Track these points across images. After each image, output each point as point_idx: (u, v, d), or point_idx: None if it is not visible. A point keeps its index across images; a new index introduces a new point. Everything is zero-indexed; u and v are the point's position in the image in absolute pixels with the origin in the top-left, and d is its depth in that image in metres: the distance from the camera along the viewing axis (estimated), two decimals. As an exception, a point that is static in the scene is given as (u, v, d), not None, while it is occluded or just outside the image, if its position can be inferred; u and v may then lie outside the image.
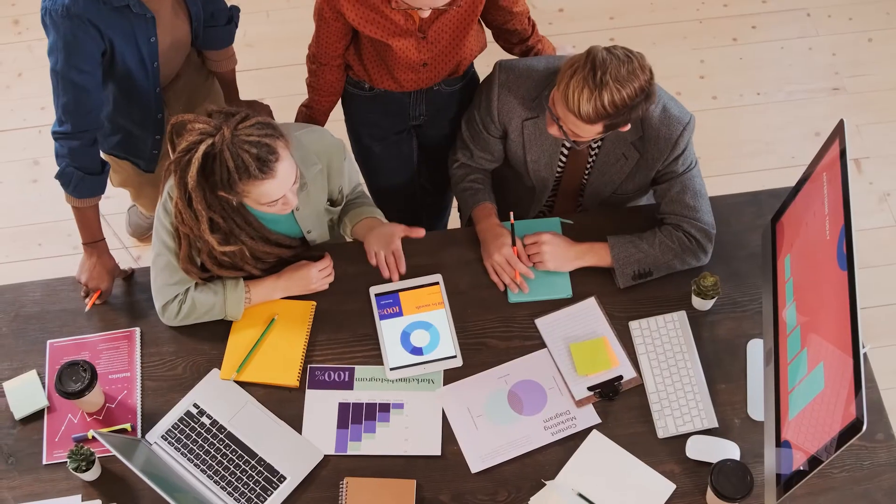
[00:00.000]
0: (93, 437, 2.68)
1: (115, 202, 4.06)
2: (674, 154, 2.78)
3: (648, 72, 2.56)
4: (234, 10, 3.10)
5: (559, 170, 2.94)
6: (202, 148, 2.41)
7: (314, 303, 2.88)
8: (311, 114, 3.10)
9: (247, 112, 2.47)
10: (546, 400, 2.74)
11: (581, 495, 2.61)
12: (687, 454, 2.67)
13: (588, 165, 2.91)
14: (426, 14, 2.64)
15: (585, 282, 2.91)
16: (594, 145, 2.85)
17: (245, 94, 3.40)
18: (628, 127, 2.66)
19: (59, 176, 2.81)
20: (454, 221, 3.79)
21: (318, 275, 2.85)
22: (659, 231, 2.85)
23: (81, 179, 2.81)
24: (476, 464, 2.67)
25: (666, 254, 2.84)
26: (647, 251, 2.84)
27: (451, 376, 2.79)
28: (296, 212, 2.78)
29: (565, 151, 2.89)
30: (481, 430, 2.70)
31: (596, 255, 2.88)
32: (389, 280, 2.89)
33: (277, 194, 2.50)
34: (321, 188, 2.79)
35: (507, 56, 3.07)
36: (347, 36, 2.88)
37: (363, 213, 2.93)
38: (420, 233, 2.89)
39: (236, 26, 3.12)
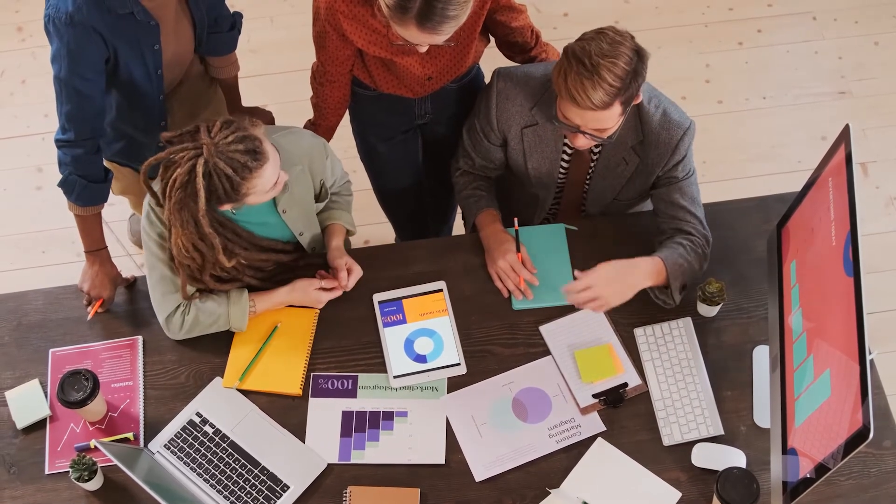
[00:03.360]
0: (95, 446, 2.67)
1: (119, 209, 4.05)
2: (674, 159, 2.77)
3: (628, 35, 2.54)
4: (237, 17, 3.09)
5: (561, 176, 2.92)
6: (200, 171, 2.41)
7: (317, 310, 2.86)
8: (317, 131, 3.08)
9: (200, 121, 2.48)
10: (551, 407, 2.72)
11: (586, 503, 2.60)
12: (692, 462, 2.65)
13: (589, 171, 2.90)
14: (423, 49, 2.63)
15: (590, 288, 2.89)
16: (595, 150, 2.83)
17: (248, 100, 3.39)
18: (640, 98, 2.64)
19: (62, 184, 2.80)
20: (458, 228, 3.78)
21: (328, 294, 2.84)
22: (681, 241, 2.78)
23: (85, 188, 2.80)
24: (480, 472, 2.65)
25: (698, 260, 2.78)
26: (689, 261, 2.76)
27: (455, 384, 2.78)
28: (283, 214, 2.77)
29: (566, 158, 2.87)
30: (485, 438, 2.69)
31: (651, 275, 2.73)
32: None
33: (275, 174, 2.52)
34: (306, 188, 2.78)
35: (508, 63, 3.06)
36: (353, 55, 2.88)
37: (331, 218, 2.94)
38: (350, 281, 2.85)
39: (239, 32, 3.11)
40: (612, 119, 2.59)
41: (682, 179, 2.80)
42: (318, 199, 2.87)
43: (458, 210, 3.69)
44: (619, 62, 2.49)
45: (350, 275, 2.83)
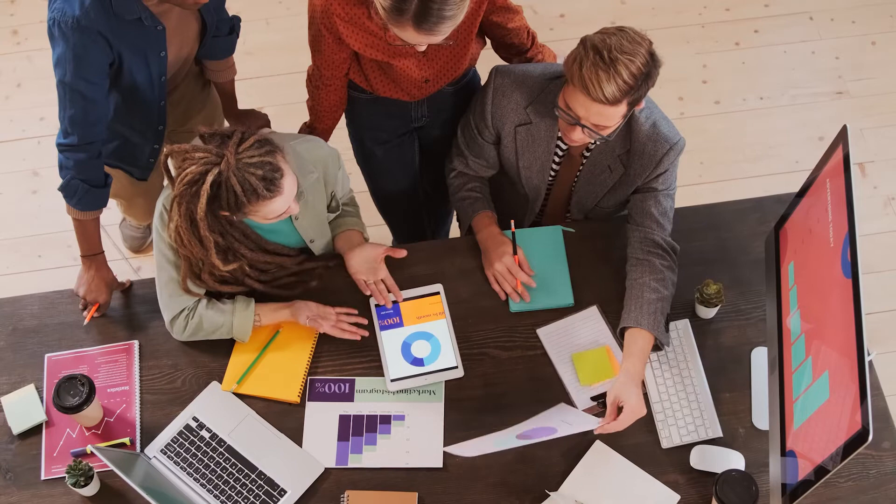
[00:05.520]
0: (91, 451, 2.66)
1: (115, 213, 4.05)
2: (656, 172, 2.76)
3: (648, 39, 2.54)
4: (236, 20, 3.08)
5: (551, 178, 2.92)
6: (209, 179, 2.39)
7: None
8: (314, 133, 3.08)
9: (241, 130, 2.46)
10: (556, 432, 2.60)
11: (584, 507, 2.59)
12: (691, 464, 2.65)
13: (577, 175, 2.89)
14: (422, 49, 2.63)
15: (588, 291, 2.89)
16: (585, 153, 2.82)
17: (244, 102, 3.38)
18: (643, 104, 2.63)
19: (63, 188, 2.78)
20: (455, 230, 3.77)
21: (328, 328, 2.81)
22: (647, 269, 2.77)
23: (87, 192, 2.79)
24: (469, 451, 2.55)
25: (670, 280, 2.78)
26: (662, 294, 2.74)
27: (452, 387, 2.77)
28: (295, 221, 2.76)
29: (557, 159, 2.86)
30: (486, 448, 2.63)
31: (643, 351, 2.69)
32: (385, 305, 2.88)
33: (284, 208, 2.51)
34: (319, 196, 2.78)
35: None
36: (349, 59, 2.87)
37: (344, 225, 2.93)
38: (402, 253, 2.88)
39: (238, 36, 3.10)
40: (615, 117, 2.57)
41: (661, 191, 2.80)
42: (328, 209, 2.87)
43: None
44: (636, 61, 2.48)
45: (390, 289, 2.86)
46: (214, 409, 2.74)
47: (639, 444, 2.68)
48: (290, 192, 2.49)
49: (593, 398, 2.72)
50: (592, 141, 2.74)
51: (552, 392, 2.75)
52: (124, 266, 3.98)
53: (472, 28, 2.83)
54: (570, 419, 2.53)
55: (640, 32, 2.54)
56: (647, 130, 2.72)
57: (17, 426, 2.72)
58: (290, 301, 2.83)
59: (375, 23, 2.67)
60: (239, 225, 2.65)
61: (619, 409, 2.63)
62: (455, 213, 3.61)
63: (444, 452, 2.67)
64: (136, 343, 2.85)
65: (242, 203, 2.42)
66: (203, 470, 2.66)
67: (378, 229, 3.93)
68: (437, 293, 2.89)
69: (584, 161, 2.84)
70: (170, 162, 2.53)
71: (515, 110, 2.80)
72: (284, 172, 2.45)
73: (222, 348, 2.81)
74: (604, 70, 2.48)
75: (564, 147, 2.82)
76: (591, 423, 2.58)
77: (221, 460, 2.67)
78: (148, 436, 2.72)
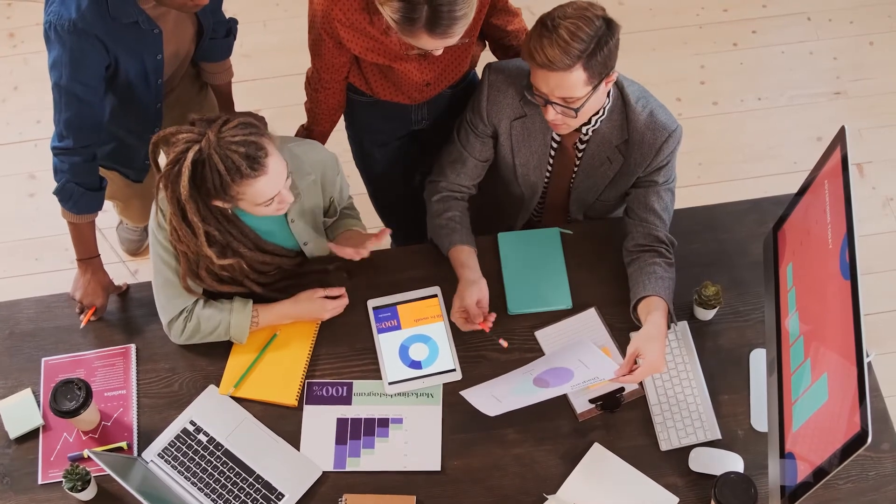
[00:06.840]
0: (88, 456, 2.65)
1: (112, 215, 4.03)
2: (656, 163, 2.76)
3: (599, 7, 2.54)
4: (233, 23, 3.08)
5: (548, 173, 2.91)
6: (190, 156, 2.39)
7: (318, 323, 2.86)
8: (311, 136, 3.07)
9: (227, 115, 2.45)
10: (572, 375, 2.59)
11: (583, 510, 2.59)
12: (690, 467, 2.64)
13: (574, 169, 2.88)
14: (439, 53, 2.61)
15: (586, 293, 2.88)
16: (580, 146, 2.81)
17: (241, 104, 3.38)
18: (615, 76, 2.61)
19: (58, 192, 2.78)
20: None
21: (332, 303, 2.82)
22: (655, 259, 2.78)
23: (82, 195, 2.78)
24: (491, 410, 2.62)
25: (673, 271, 2.79)
26: (671, 278, 2.77)
27: (450, 390, 2.76)
28: (291, 224, 2.75)
29: (553, 154, 2.86)
30: (504, 402, 2.63)
31: (664, 312, 2.70)
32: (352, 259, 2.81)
33: (272, 191, 2.48)
34: (316, 200, 2.77)
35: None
36: (349, 62, 2.86)
37: (344, 226, 2.92)
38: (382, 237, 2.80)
39: (234, 38, 3.10)
40: (576, 87, 2.55)
41: (661, 185, 2.80)
42: (326, 213, 2.86)
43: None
44: (581, 25, 2.49)
45: (374, 240, 2.76)
46: (212, 413, 2.74)
47: (637, 446, 2.68)
48: (276, 173, 2.46)
49: (591, 400, 2.72)
50: (583, 132, 2.74)
51: (550, 394, 2.74)
52: (122, 269, 3.98)
53: (474, 30, 2.82)
54: (588, 360, 2.53)
55: (593, 2, 2.55)
56: (645, 119, 2.72)
57: (14, 430, 2.71)
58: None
59: (377, 27, 2.66)
60: (235, 221, 2.64)
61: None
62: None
63: (442, 456, 2.67)
64: (133, 347, 2.84)
65: (227, 184, 2.41)
66: (200, 474, 2.66)
67: (377, 231, 3.92)
68: (435, 296, 2.89)
69: (580, 155, 2.83)
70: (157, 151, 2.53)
71: (511, 105, 2.80)
72: (269, 152, 2.44)
73: (220, 352, 2.81)
74: (546, 36, 2.50)
75: (558, 139, 2.82)
76: (608, 370, 2.56)
77: (219, 464, 2.67)
78: (145, 440, 2.72)
